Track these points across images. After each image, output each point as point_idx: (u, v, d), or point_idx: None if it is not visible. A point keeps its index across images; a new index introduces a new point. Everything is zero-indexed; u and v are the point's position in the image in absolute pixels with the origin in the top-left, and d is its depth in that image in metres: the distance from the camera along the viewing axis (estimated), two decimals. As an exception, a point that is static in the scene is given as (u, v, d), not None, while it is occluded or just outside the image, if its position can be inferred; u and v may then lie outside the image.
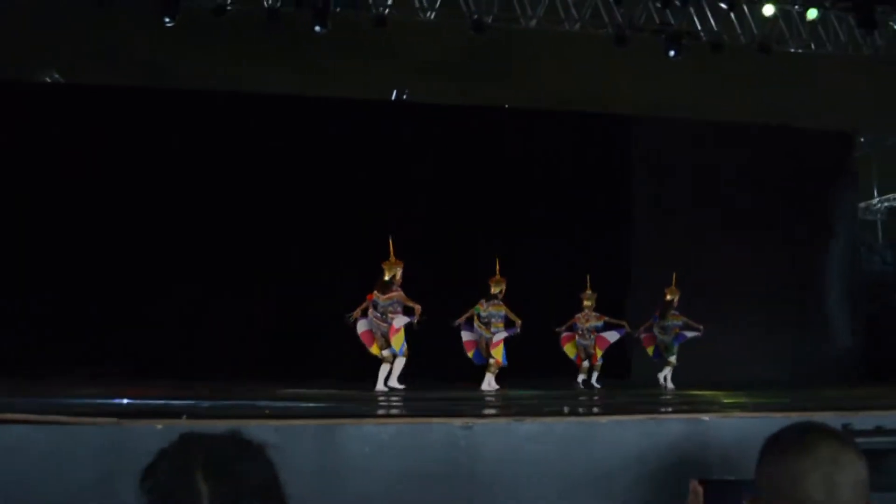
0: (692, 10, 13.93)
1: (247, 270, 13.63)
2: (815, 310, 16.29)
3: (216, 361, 12.78)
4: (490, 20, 13.58)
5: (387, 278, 9.76)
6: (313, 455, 4.10)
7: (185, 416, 4.18)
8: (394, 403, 6.71)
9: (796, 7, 14.08)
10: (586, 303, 11.76)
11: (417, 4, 13.53)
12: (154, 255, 13.33)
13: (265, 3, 13.21)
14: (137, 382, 9.69)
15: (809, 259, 16.53)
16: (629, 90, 16.87)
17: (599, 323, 11.74)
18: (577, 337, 11.77)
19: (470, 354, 10.67)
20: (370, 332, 9.71)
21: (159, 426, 4.07)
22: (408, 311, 9.72)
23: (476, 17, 13.43)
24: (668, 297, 12.24)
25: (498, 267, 10.93)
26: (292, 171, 14.18)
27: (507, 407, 5.96)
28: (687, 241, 15.35)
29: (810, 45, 14.51)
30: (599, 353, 11.68)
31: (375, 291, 9.71)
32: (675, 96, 16.46)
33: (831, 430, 1.68)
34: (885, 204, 20.77)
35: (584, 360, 11.71)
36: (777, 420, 4.91)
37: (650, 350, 12.27)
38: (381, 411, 5.25)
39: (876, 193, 20.65)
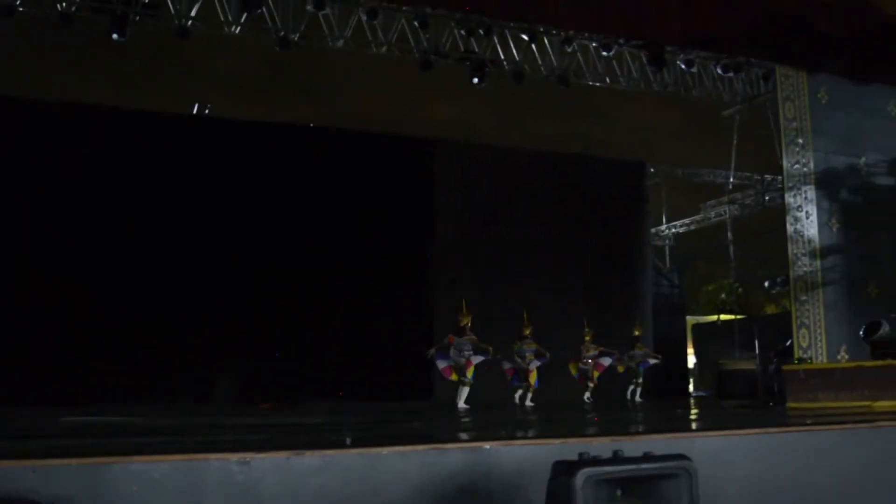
0: (496, 39, 14.31)
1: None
2: (617, 332, 16.80)
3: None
4: (296, 37, 13.41)
5: (461, 325, 12.19)
6: (75, 498, 3.83)
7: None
8: (171, 436, 6.37)
9: (594, 44, 14.71)
10: (586, 337, 14.52)
11: (222, 18, 13.18)
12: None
13: (59, 6, 12.50)
14: None
15: (608, 283, 17.20)
16: (434, 114, 17.17)
17: (596, 352, 14.62)
18: (579, 363, 14.54)
19: (510, 378, 13.28)
20: (449, 366, 12.14)
21: None
22: (480, 351, 12.15)
23: (282, 33, 13.24)
24: (636, 333, 15.56)
25: (525, 314, 13.10)
26: (88, 183, 13.54)
27: (289, 439, 5.79)
28: (488, 263, 15.70)
29: (606, 80, 15.22)
30: (596, 375, 14.58)
31: (451, 335, 12.17)
32: (478, 122, 16.89)
33: None
34: (673, 230, 22.13)
35: (586, 380, 14.55)
36: (555, 447, 5.01)
37: (620, 369, 15.19)
38: (153, 446, 4.97)
39: (664, 220, 21.98)
